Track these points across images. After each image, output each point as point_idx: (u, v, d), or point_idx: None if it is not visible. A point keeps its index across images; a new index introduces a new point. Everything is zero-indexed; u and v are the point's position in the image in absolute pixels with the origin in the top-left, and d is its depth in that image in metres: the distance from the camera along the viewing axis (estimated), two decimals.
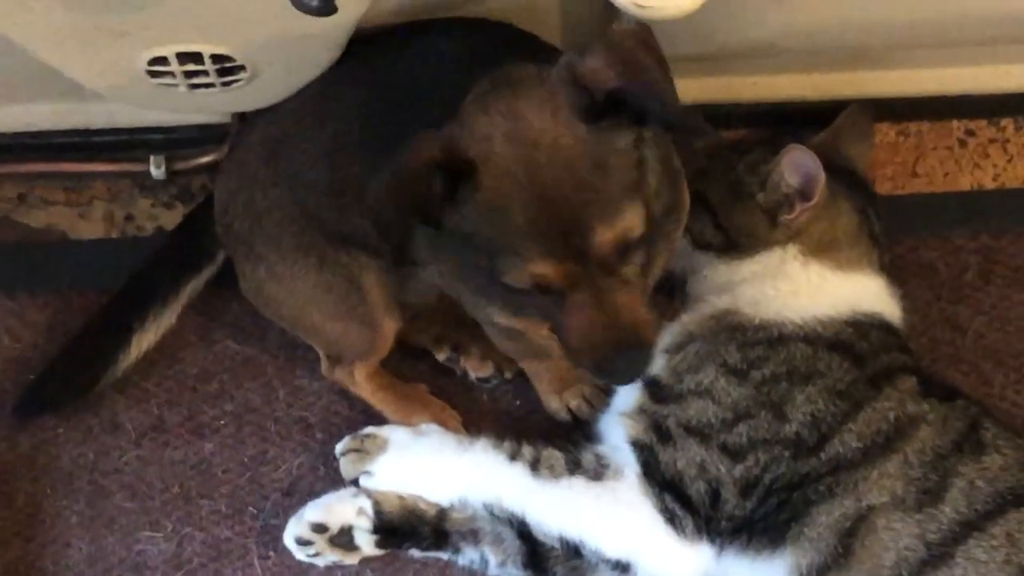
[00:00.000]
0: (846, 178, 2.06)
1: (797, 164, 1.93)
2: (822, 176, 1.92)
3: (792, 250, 1.99)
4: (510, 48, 1.77)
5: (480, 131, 1.47)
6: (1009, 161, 2.39)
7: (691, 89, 2.15)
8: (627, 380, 1.65)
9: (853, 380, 1.88)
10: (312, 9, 1.42)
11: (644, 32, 1.51)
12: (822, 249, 1.99)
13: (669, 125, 1.53)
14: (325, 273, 1.93)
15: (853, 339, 1.92)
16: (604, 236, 1.47)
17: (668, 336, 1.98)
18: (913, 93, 2.30)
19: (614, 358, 1.54)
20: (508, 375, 2.19)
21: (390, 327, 2.00)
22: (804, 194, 1.95)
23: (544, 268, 1.49)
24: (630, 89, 1.43)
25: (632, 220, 1.49)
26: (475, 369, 2.18)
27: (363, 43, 1.84)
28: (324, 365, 2.12)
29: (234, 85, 1.85)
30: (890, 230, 2.12)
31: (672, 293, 2.08)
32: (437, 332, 2.17)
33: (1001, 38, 2.10)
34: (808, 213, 1.96)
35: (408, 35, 1.86)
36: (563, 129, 1.45)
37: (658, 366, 1.94)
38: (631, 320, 1.53)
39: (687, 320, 1.99)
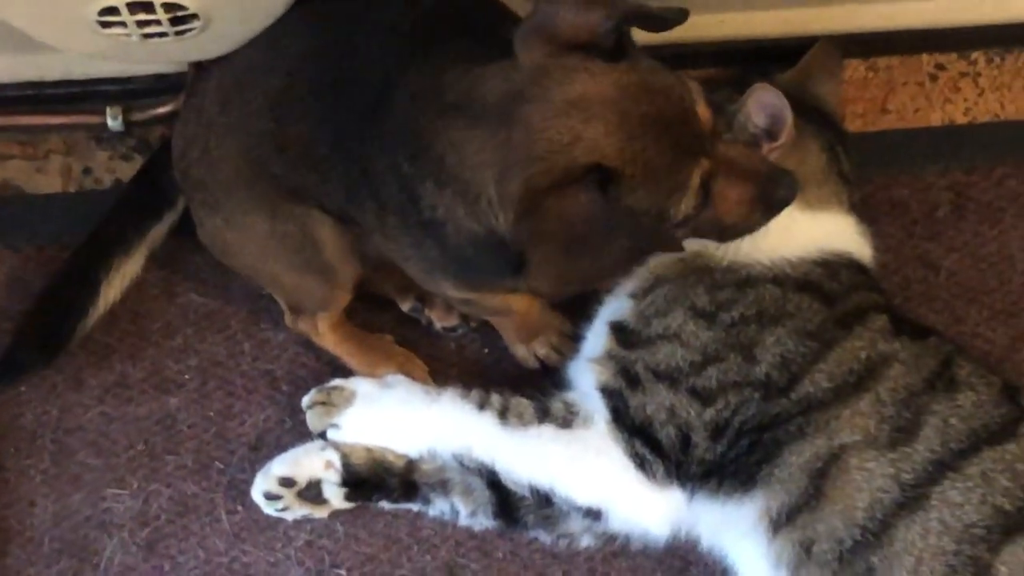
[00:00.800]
0: (815, 116, 2.04)
1: (763, 104, 1.91)
2: (789, 116, 1.89)
3: None
4: (464, 11, 1.76)
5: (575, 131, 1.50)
6: (980, 95, 2.38)
7: None
8: (786, 195, 1.69)
9: (823, 320, 1.87)
10: None
11: None
12: None
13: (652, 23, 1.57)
14: (278, 224, 1.89)
15: (823, 279, 1.92)
16: (705, 110, 1.56)
17: (636, 280, 1.97)
18: (882, 27, 2.29)
19: (774, 190, 1.65)
20: (474, 324, 2.18)
21: (348, 278, 1.99)
22: (771, 134, 1.91)
23: (699, 171, 1.56)
24: (615, 18, 1.48)
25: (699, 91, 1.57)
26: (440, 319, 2.17)
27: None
28: (287, 316, 2.10)
29: (187, 34, 1.81)
30: (861, 168, 2.11)
31: None
32: (401, 281, 2.11)
33: None
34: (776, 153, 1.91)
35: None
36: (609, 77, 1.50)
37: (626, 310, 1.94)
38: (762, 160, 1.67)
39: (655, 264, 1.96)
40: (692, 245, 1.90)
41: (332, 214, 1.86)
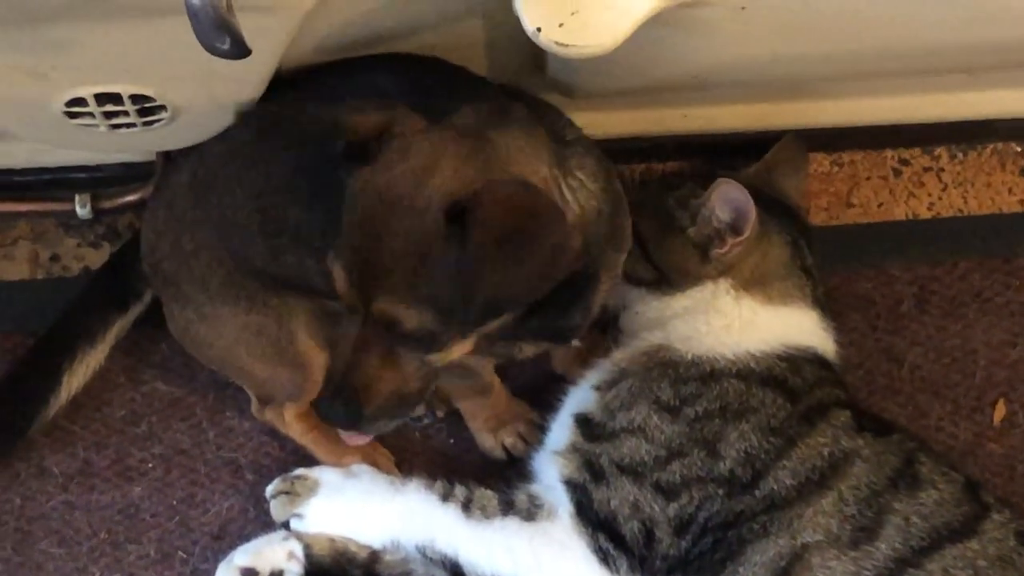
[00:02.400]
0: (778, 210, 2.06)
1: (727, 198, 1.92)
2: (752, 210, 1.91)
3: (724, 285, 1.97)
4: (445, 81, 1.79)
5: (402, 142, 1.51)
6: (944, 190, 2.40)
7: (622, 121, 2.20)
8: (336, 420, 1.66)
9: (787, 416, 1.88)
10: (225, 53, 1.38)
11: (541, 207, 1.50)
12: (754, 283, 1.98)
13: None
14: (254, 315, 1.91)
15: (786, 374, 1.92)
16: (377, 306, 1.51)
17: (600, 373, 1.96)
18: (847, 123, 2.30)
19: (328, 393, 1.60)
20: (440, 413, 2.17)
21: (319, 369, 1.96)
22: (735, 228, 1.93)
23: (338, 276, 1.53)
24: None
25: (409, 318, 1.50)
26: None
27: (298, 81, 1.85)
28: (254, 406, 2.10)
29: (155, 125, 1.82)
30: (825, 261, 2.11)
31: (605, 329, 2.08)
32: None
33: (931, 69, 2.09)
34: (739, 247, 1.95)
35: (344, 71, 1.85)
36: (433, 198, 1.47)
37: (591, 402, 1.93)
38: (362, 380, 1.57)
39: (619, 357, 1.97)
40: (655, 338, 1.95)
41: (317, 298, 1.86)
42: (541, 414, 2.07)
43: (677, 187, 2.07)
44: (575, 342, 1.88)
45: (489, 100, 1.63)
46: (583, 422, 1.93)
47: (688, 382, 1.90)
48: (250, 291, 1.90)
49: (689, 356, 1.92)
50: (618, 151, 2.13)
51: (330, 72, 1.86)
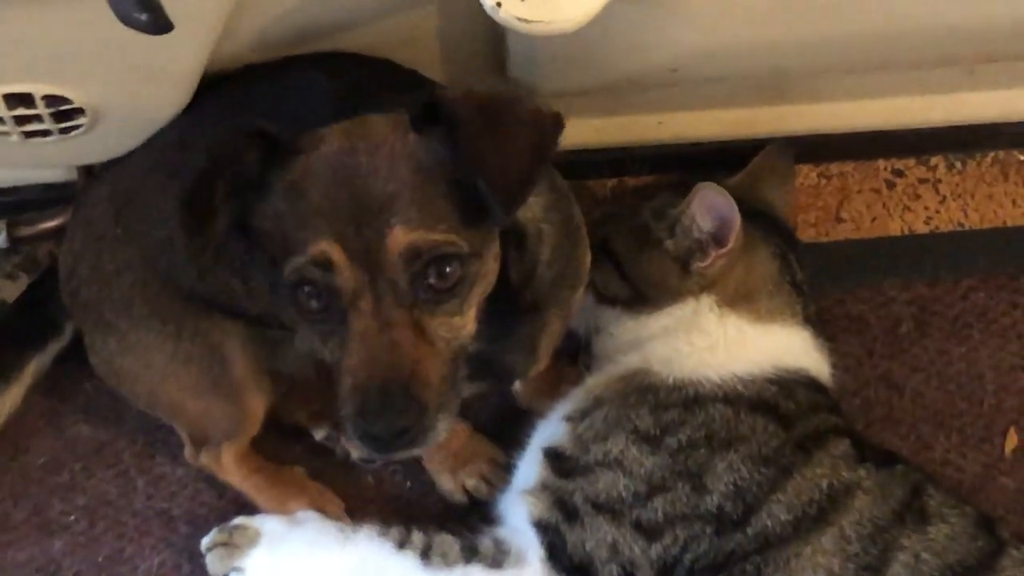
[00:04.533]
0: (764, 222, 2.01)
1: (709, 205, 1.86)
2: (737, 218, 1.85)
3: (707, 301, 1.91)
4: (389, 83, 1.76)
5: (319, 132, 1.45)
6: (942, 203, 2.34)
7: (590, 130, 2.17)
8: (383, 446, 1.43)
9: (780, 444, 1.80)
10: (143, 25, 1.33)
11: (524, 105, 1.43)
12: (740, 299, 1.91)
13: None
14: (183, 342, 1.83)
15: (778, 398, 1.85)
16: (401, 238, 1.36)
17: (572, 402, 1.90)
18: (834, 128, 2.25)
19: (375, 408, 1.39)
20: None
21: (259, 402, 1.91)
22: (718, 239, 1.87)
23: (328, 250, 1.37)
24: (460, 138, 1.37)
25: (439, 236, 1.37)
26: (356, 448, 2.02)
27: (226, 82, 1.80)
28: (188, 449, 2.01)
29: (73, 132, 1.76)
30: (815, 281, 2.06)
31: (575, 356, 2.05)
32: (314, 408, 2.08)
33: (926, 59, 2.04)
34: (723, 260, 1.88)
35: (279, 71, 1.80)
36: (395, 134, 1.41)
37: (562, 435, 1.87)
38: (408, 365, 1.39)
39: (592, 383, 1.91)
40: (632, 362, 1.90)
41: (251, 321, 1.82)
42: (507, 452, 2.01)
43: (652, 197, 2.04)
44: (518, 384, 1.86)
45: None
46: (554, 457, 1.86)
47: (669, 408, 1.83)
48: (178, 315, 1.83)
49: (670, 380, 1.85)
50: (586, 164, 2.20)
51: (263, 72, 1.81)
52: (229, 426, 1.93)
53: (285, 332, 1.82)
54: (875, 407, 2.16)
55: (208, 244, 1.59)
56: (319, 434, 2.09)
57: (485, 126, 1.36)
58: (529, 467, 1.89)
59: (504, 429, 2.03)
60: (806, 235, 2.26)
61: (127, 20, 1.31)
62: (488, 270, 1.46)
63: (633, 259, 1.94)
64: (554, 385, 1.99)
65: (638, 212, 1.98)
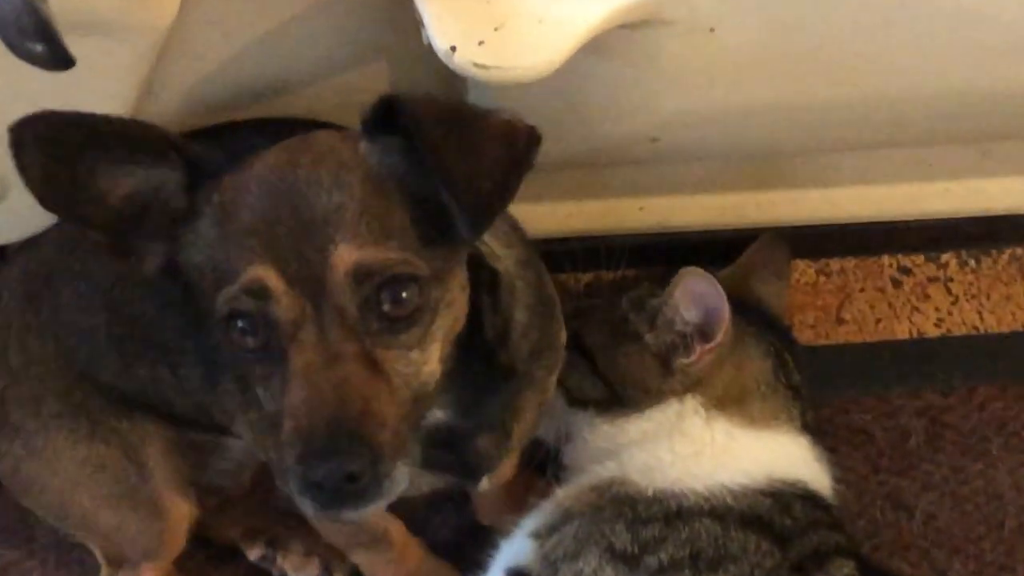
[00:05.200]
0: (757, 318, 1.93)
1: (695, 293, 1.77)
2: (726, 307, 1.76)
3: (692, 403, 1.80)
4: None
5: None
6: (954, 303, 2.26)
7: (563, 216, 2.09)
8: (331, 498, 1.26)
9: (775, 565, 1.68)
10: (39, 59, 1.22)
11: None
12: (729, 401, 1.82)
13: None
14: (97, 444, 1.76)
15: (772, 513, 1.73)
16: (347, 256, 1.23)
17: (539, 516, 1.79)
18: (833, 219, 2.18)
19: (319, 451, 1.23)
20: (338, 575, 2.01)
21: (182, 515, 1.82)
22: (704, 332, 1.78)
23: (263, 276, 1.23)
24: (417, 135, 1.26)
25: (393, 255, 1.25)
26: (296, 569, 1.99)
27: None
28: (104, 571, 1.90)
29: None
30: (814, 387, 1.96)
31: (543, 466, 1.92)
32: (248, 524, 2.00)
33: (936, 135, 1.96)
34: (710, 356, 1.79)
35: (216, 138, 1.71)
36: (344, 144, 1.30)
37: (527, 554, 1.75)
38: (358, 400, 1.25)
39: (562, 495, 1.79)
40: (607, 471, 1.81)
41: (178, 422, 1.75)
42: (466, 574, 1.91)
43: (632, 287, 1.95)
44: (485, 481, 1.68)
45: None
46: None
47: (649, 523, 1.71)
48: (93, 412, 1.75)
49: (650, 491, 1.74)
50: (560, 255, 2.07)
51: (200, 138, 1.69)
52: (148, 543, 1.83)
53: (216, 437, 1.78)
54: (882, 530, 2.06)
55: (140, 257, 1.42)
56: (254, 554, 2.01)
57: (450, 130, 1.25)
58: None
59: (463, 549, 1.94)
60: (804, 337, 2.20)
61: (19, 51, 1.22)
62: (454, 299, 1.34)
63: (609, 356, 1.85)
64: (519, 498, 1.88)
65: (614, 303, 1.90)
